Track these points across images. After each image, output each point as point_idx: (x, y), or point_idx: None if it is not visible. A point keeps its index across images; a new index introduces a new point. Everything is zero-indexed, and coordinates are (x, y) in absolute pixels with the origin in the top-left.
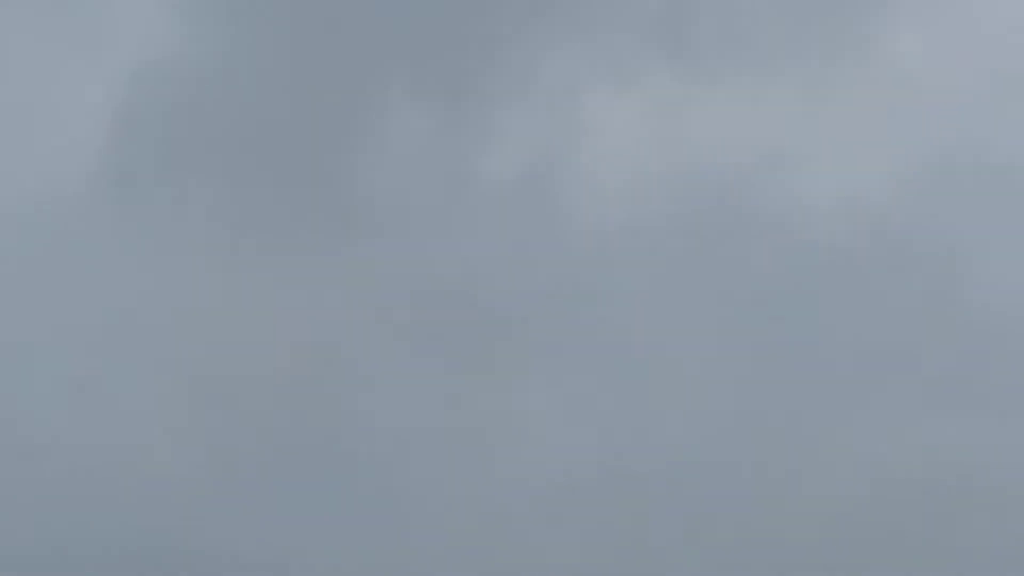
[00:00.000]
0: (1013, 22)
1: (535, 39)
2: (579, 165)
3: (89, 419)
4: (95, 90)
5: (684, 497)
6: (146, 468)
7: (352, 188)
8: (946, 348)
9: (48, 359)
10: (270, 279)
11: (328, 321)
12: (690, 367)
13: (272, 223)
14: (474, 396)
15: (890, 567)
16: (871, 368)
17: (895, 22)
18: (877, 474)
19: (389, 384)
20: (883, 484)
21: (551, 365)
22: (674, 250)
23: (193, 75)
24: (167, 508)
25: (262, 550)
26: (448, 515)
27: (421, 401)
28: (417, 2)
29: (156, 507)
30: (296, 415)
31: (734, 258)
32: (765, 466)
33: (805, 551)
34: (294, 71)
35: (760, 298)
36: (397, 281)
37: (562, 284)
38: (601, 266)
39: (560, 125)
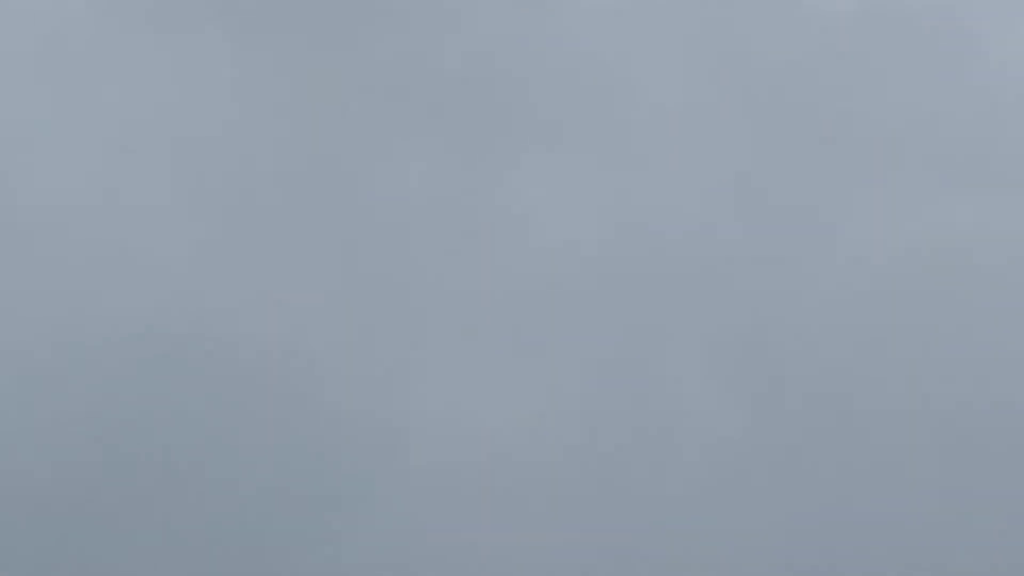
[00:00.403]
0: None
1: None
2: None
3: (96, 199)
4: None
5: (688, 283)
6: (151, 249)
7: None
8: (958, 123)
9: (57, 146)
10: (275, 73)
11: (328, 113)
12: (692, 148)
13: (275, 17)
14: (475, 181)
15: (900, 347)
16: (881, 143)
17: None
18: (889, 253)
19: (392, 171)
20: (895, 263)
21: (552, 147)
22: (678, 27)
23: None
24: (174, 288)
25: (266, 333)
26: (448, 301)
27: (425, 188)
28: None
29: (165, 287)
30: (300, 197)
31: (741, 34)
32: (773, 247)
33: (812, 332)
34: None
35: (767, 71)
36: (400, 71)
37: (564, 67)
38: (604, 46)
39: None
